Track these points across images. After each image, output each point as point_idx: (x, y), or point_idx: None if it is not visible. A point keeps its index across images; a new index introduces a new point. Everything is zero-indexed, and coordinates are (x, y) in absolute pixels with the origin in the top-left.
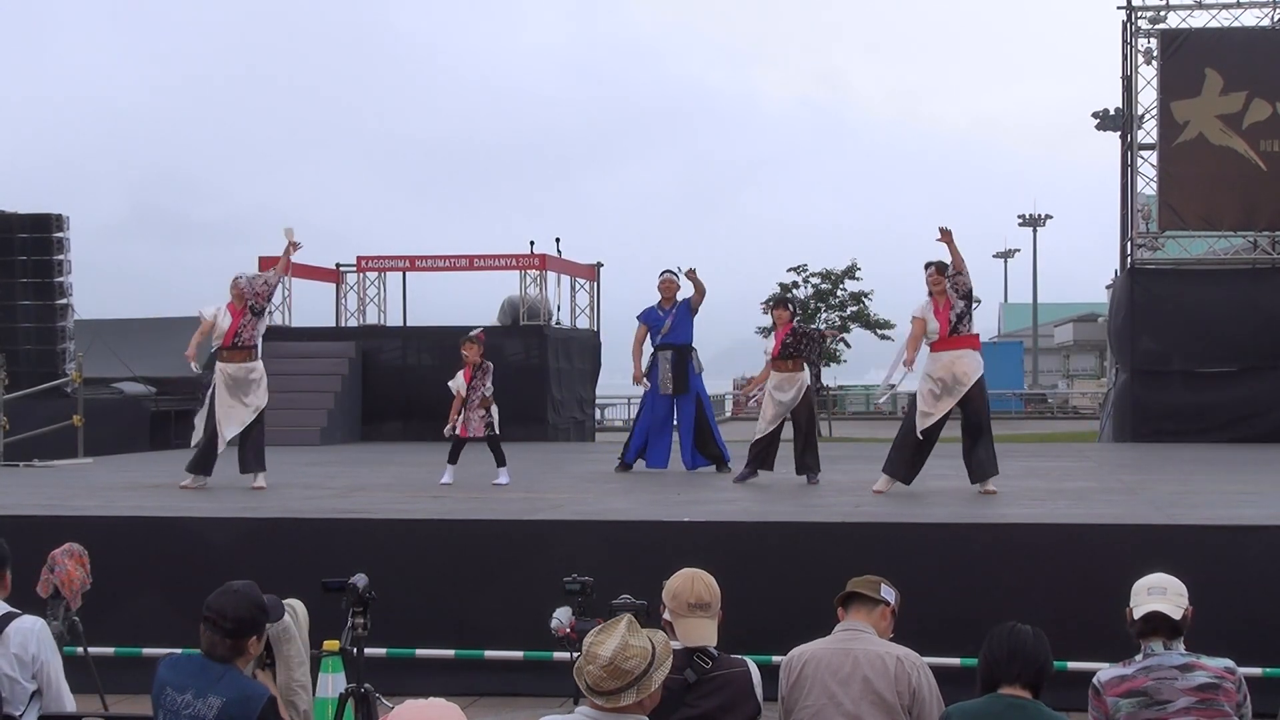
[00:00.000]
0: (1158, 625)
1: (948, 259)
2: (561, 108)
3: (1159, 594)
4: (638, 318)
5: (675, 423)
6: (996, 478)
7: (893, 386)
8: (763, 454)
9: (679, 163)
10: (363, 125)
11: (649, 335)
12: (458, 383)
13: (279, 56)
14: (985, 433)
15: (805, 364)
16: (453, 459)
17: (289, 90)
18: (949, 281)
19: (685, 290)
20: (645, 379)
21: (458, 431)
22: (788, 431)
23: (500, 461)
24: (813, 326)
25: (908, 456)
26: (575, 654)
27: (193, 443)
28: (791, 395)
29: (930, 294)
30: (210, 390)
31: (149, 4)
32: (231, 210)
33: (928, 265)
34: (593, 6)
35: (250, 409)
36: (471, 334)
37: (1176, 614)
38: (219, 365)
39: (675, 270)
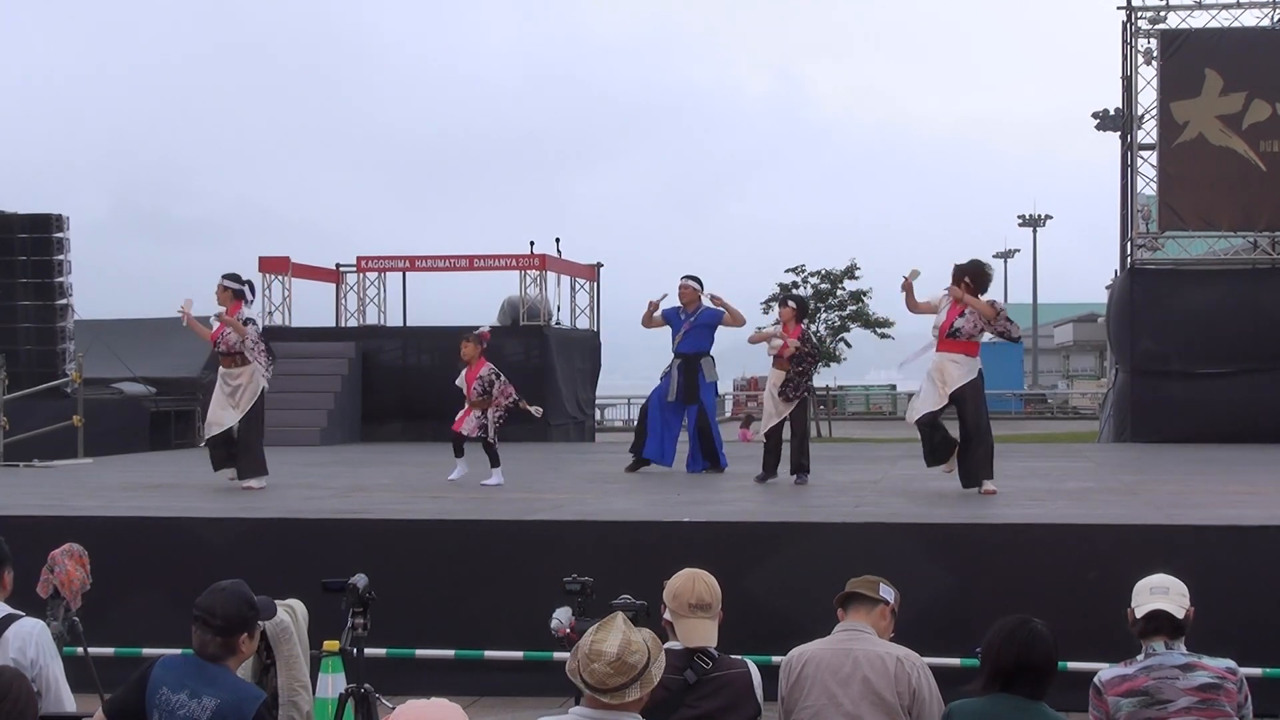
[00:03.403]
0: (1160, 625)
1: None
2: (549, 107)
3: (1161, 593)
4: (661, 312)
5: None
6: (994, 480)
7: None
8: (775, 455)
9: (668, 161)
10: (346, 121)
11: (670, 336)
12: (461, 380)
13: (257, 50)
14: (978, 439)
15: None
16: (458, 453)
17: (268, 84)
18: (969, 307)
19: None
20: (662, 379)
21: (453, 427)
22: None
23: (494, 462)
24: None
25: (925, 445)
26: None
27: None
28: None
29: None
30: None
31: None
32: (216, 208)
33: (955, 274)
34: (580, 5)
35: (235, 413)
36: (475, 332)
37: (1179, 613)
38: (219, 366)
39: (696, 279)
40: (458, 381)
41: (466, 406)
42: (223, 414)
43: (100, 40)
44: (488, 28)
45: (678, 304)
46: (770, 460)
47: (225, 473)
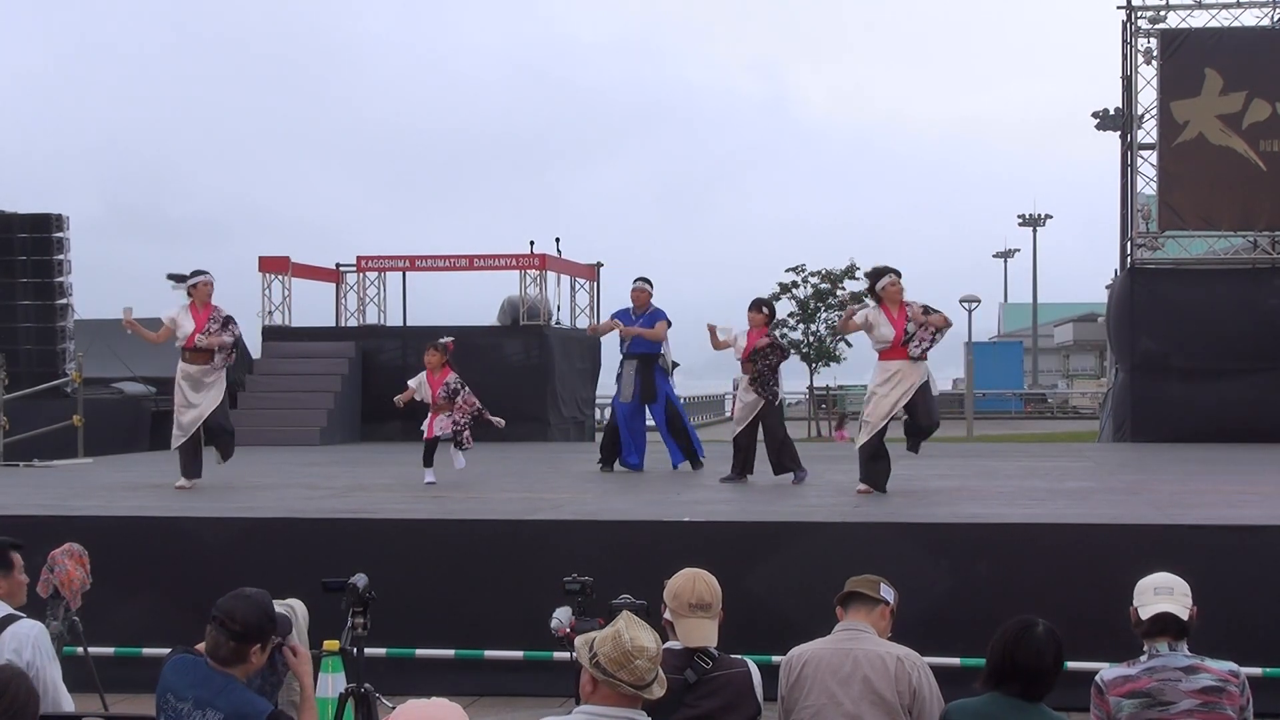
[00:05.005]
0: (1165, 626)
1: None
2: (547, 106)
3: (1166, 594)
4: (612, 315)
5: (649, 424)
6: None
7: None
8: (743, 457)
9: (666, 160)
10: (346, 120)
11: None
12: (418, 381)
13: (255, 46)
14: (928, 423)
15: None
16: (428, 461)
17: (266, 82)
18: (919, 310)
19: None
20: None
21: (424, 433)
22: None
23: (428, 463)
24: (779, 346)
25: (866, 462)
26: (576, 654)
27: (174, 446)
28: (753, 398)
29: (881, 300)
30: (175, 390)
31: None
32: (213, 207)
33: (887, 271)
34: (575, 5)
35: (203, 408)
36: (440, 340)
37: (1184, 614)
38: (180, 365)
39: (647, 280)
40: (411, 382)
41: (432, 411)
42: (191, 412)
43: (93, 35)
44: (484, 28)
45: (629, 305)
46: (738, 461)
47: (188, 481)
